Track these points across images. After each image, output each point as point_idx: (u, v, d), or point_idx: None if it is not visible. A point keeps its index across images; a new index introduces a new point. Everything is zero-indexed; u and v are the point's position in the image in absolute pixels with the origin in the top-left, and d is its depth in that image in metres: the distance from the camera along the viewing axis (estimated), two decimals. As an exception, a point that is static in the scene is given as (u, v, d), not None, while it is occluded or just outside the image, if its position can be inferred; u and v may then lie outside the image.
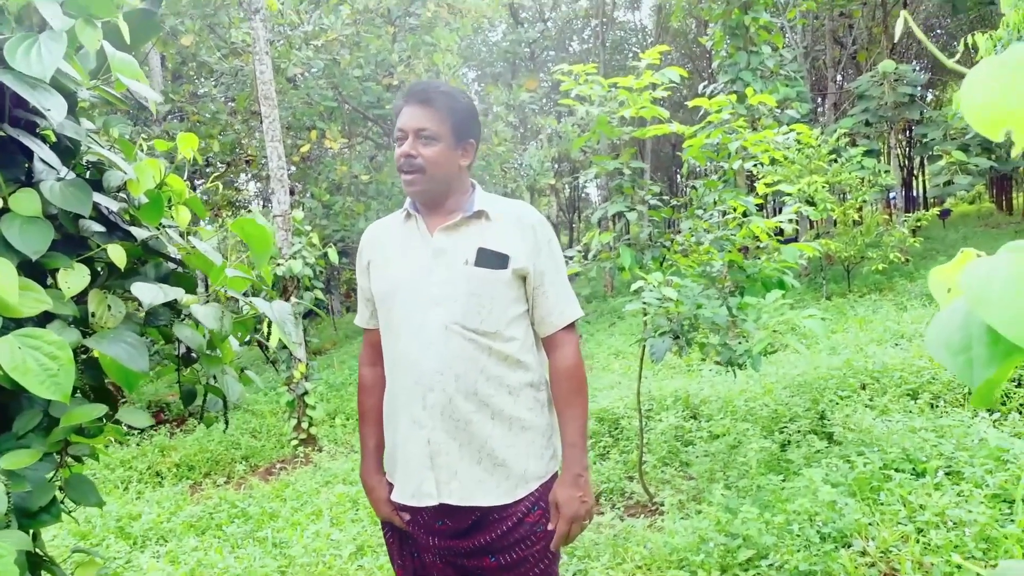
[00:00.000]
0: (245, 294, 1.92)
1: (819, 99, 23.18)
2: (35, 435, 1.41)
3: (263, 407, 8.12)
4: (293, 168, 11.74)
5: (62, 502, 1.54)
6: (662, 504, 3.89)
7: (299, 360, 6.23)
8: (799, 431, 4.51)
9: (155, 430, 7.58)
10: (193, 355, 1.88)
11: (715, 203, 3.74)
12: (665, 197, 4.19)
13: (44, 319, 1.45)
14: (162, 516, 4.59)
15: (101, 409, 1.39)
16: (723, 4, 10.04)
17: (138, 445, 6.86)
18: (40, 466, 1.38)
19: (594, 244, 3.92)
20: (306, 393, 6.32)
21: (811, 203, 9.94)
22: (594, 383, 7.39)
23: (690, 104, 3.57)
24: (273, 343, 2.57)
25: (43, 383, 1.27)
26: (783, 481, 3.59)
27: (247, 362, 12.64)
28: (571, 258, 4.02)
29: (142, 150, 1.93)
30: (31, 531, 1.53)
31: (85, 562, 1.87)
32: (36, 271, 1.49)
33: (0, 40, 1.31)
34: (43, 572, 1.65)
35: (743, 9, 10.21)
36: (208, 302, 1.71)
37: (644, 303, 3.41)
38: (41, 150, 1.45)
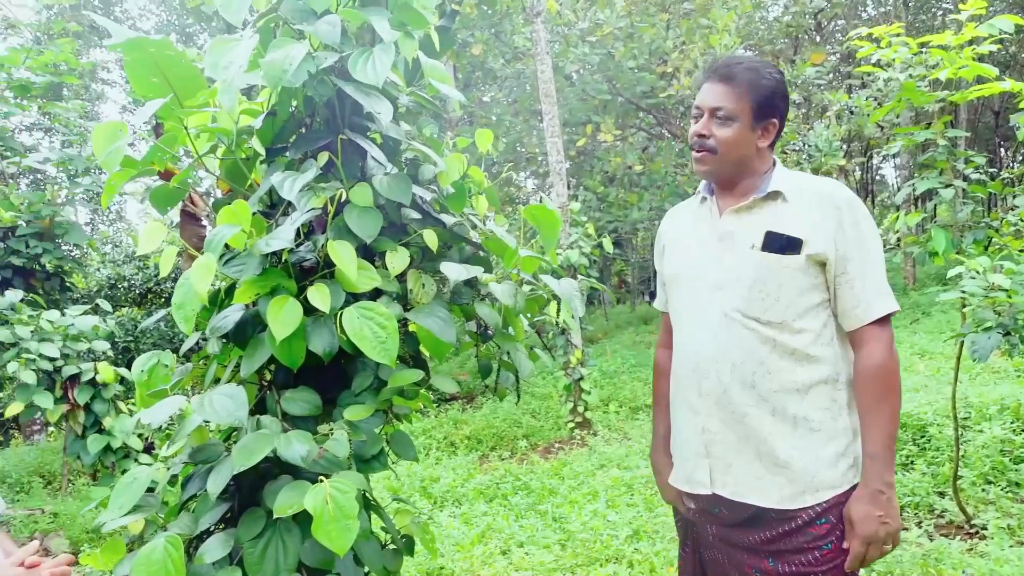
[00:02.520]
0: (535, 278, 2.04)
1: None
2: (368, 394, 1.65)
3: (541, 390, 8.59)
4: (569, 163, 12.21)
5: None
6: (983, 527, 3.35)
7: (575, 346, 6.47)
8: None
9: (449, 405, 8.44)
10: (489, 332, 2.05)
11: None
12: (990, 170, 3.57)
13: (373, 295, 1.69)
14: (456, 481, 5.10)
15: (419, 374, 1.59)
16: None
17: (435, 416, 7.69)
18: (372, 420, 1.61)
19: (898, 226, 3.48)
20: (582, 378, 6.55)
21: None
22: (893, 385, 6.58)
23: (1030, 56, 2.98)
24: (564, 316, 2.69)
25: (375, 348, 1.48)
26: None
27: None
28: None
29: (448, 148, 2.14)
30: (366, 476, 1.80)
31: (402, 510, 2.15)
32: (366, 254, 1.74)
33: (343, 56, 1.55)
34: (372, 513, 1.93)
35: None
36: (502, 282, 1.85)
37: (964, 292, 2.95)
38: (372, 150, 1.68)
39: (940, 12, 21.08)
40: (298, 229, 1.64)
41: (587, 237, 6.57)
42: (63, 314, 4.58)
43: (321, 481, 1.38)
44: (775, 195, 1.56)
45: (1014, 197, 3.51)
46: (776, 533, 1.51)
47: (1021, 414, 4.77)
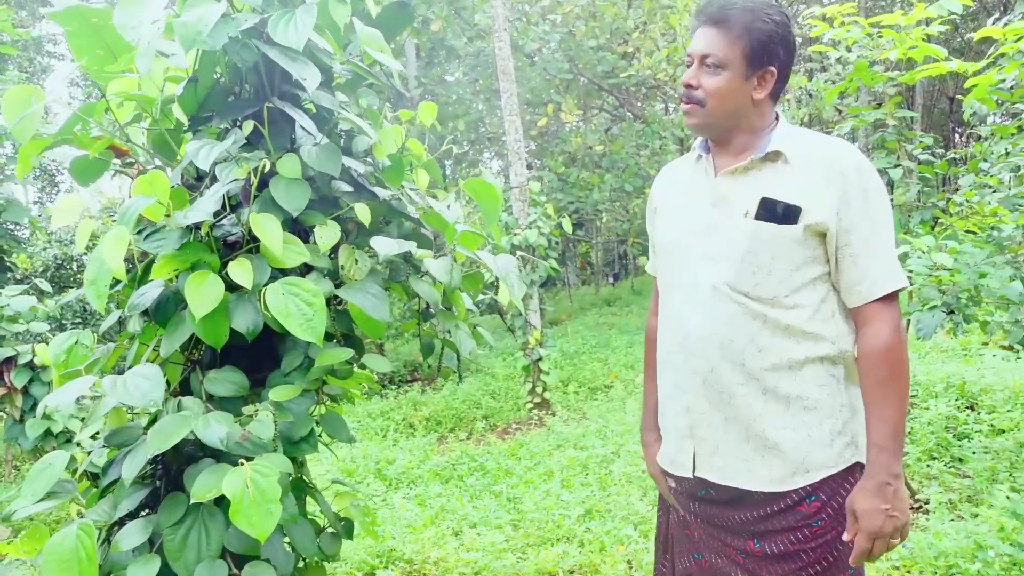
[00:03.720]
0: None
1: None
2: (298, 373, 1.59)
3: (500, 371, 8.58)
4: (532, 144, 12.12)
5: (319, 436, 1.72)
6: (926, 502, 3.42)
7: (534, 327, 6.45)
8: (1118, 432, 3.69)
9: (409, 386, 8.37)
10: (431, 311, 2.00)
11: (1007, 154, 3.14)
12: (938, 151, 3.62)
13: (303, 271, 1.63)
14: (412, 463, 5.05)
15: (347, 352, 1.53)
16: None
17: (395, 398, 7.62)
18: (301, 401, 1.56)
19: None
20: (540, 359, 6.54)
21: None
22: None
23: (977, 37, 3.00)
24: (503, 299, 2.65)
25: (301, 326, 1.42)
26: (1093, 490, 2.96)
27: (488, 329, 13.44)
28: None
29: (386, 119, 2.07)
30: (296, 459, 1.74)
31: (342, 493, 2.10)
32: (295, 229, 1.67)
33: (266, 18, 1.47)
34: (307, 496, 1.87)
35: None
36: (439, 258, 1.79)
37: (910, 272, 2.98)
38: (301, 119, 1.61)
39: (898, -2, 21.40)
40: (225, 202, 1.57)
41: (547, 217, 6.53)
42: (-2, 295, 4.40)
43: (242, 464, 1.33)
44: (775, 155, 1.42)
45: (959, 178, 3.56)
46: (763, 513, 1.43)
47: (965, 392, 4.89)
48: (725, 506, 1.49)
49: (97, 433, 1.61)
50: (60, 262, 9.94)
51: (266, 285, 1.46)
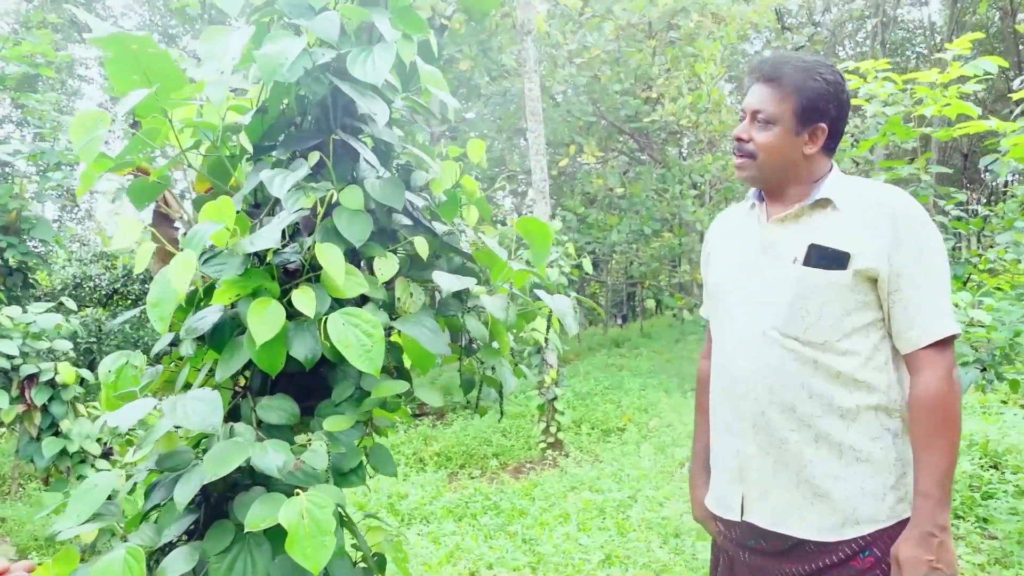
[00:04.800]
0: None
1: None
2: (348, 404, 1.58)
3: (511, 409, 8.51)
4: (550, 182, 12.22)
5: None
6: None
7: (551, 366, 6.42)
8: None
9: (419, 420, 8.31)
10: (474, 346, 2.00)
11: (1042, 214, 3.15)
12: (971, 207, 3.63)
13: (359, 302, 1.63)
14: (425, 499, 4.99)
15: (404, 385, 1.52)
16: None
17: (405, 432, 7.57)
18: (351, 432, 1.55)
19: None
20: (556, 398, 6.49)
21: None
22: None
23: (1015, 95, 3.04)
24: (532, 341, 2.63)
25: (360, 357, 1.42)
26: None
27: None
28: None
29: (440, 156, 2.09)
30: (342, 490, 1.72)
31: (374, 527, 2.07)
32: (351, 259, 1.68)
33: (340, 54, 1.50)
34: (344, 529, 1.85)
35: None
36: (493, 295, 1.80)
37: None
38: (365, 152, 1.63)
39: (913, 55, 21.70)
40: (282, 230, 1.58)
41: (567, 256, 6.55)
42: (25, 311, 4.42)
43: (297, 494, 1.31)
44: (824, 203, 1.44)
45: (984, 235, 3.56)
46: (815, 567, 1.40)
47: (989, 450, 4.82)
48: (777, 557, 1.46)
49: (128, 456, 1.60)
50: (79, 280, 10.02)
51: (325, 315, 1.46)
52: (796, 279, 1.41)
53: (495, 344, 2.00)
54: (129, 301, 10.44)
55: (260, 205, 1.79)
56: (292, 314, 1.48)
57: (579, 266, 6.69)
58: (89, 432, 4.31)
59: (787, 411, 1.42)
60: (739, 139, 1.49)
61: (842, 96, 1.46)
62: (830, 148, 1.50)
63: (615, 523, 4.16)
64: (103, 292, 10.42)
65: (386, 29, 1.46)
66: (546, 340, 1.89)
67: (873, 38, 21.06)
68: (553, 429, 6.53)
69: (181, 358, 1.75)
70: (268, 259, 1.54)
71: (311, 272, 1.56)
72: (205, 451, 1.61)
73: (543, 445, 6.55)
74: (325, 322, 1.44)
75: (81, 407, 4.41)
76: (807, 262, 1.41)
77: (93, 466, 4.36)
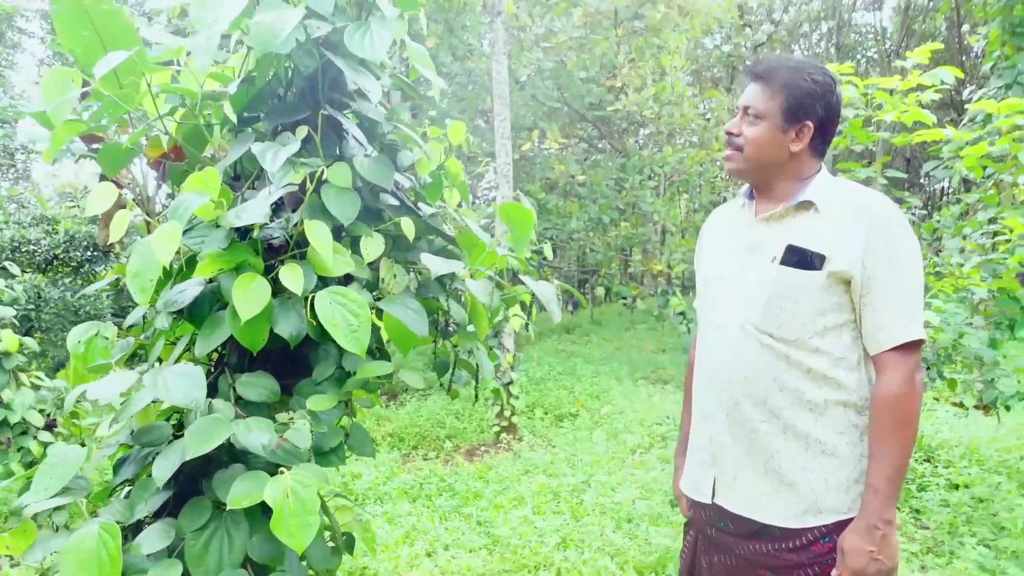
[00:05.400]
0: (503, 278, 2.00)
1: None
2: (329, 383, 1.57)
3: (465, 391, 8.52)
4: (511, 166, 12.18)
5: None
6: (891, 550, 3.51)
7: (508, 350, 6.45)
8: (1070, 494, 3.86)
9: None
10: (450, 329, 2.00)
11: (989, 221, 3.30)
12: (923, 211, 3.78)
13: (343, 281, 1.61)
14: (379, 479, 4.98)
15: (388, 366, 1.52)
16: None
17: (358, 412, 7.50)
18: (332, 412, 1.54)
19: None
20: (511, 382, 6.53)
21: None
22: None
23: (971, 107, 3.17)
24: (517, 326, 2.65)
25: (346, 336, 1.41)
26: (1051, 548, 3.09)
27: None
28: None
29: (423, 137, 2.07)
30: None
31: (342, 507, 2.07)
32: (337, 237, 1.66)
33: (338, 28, 1.47)
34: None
35: None
36: (476, 279, 1.80)
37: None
38: (353, 129, 1.60)
39: (864, 59, 22.30)
40: (267, 205, 1.55)
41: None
42: (-37, 275, 4.21)
43: (281, 473, 1.30)
44: (807, 205, 1.49)
45: (937, 239, 3.72)
46: (778, 548, 1.48)
47: (922, 445, 5.06)
48: (741, 538, 1.54)
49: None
50: (16, 244, 9.58)
51: (311, 293, 1.45)
52: (773, 278, 1.47)
53: (470, 328, 2.01)
54: (68, 268, 10.02)
55: (240, 177, 1.75)
56: (276, 290, 1.46)
57: (539, 251, 6.72)
58: (32, 403, 4.16)
59: (759, 403, 1.49)
60: (729, 133, 1.56)
61: (830, 97, 1.51)
62: (818, 149, 1.55)
63: (569, 507, 4.23)
64: (42, 257, 9.97)
65: (386, 5, 1.43)
66: (526, 325, 1.91)
67: (828, 40, 21.58)
68: (508, 413, 6.57)
69: (149, 332, 1.71)
70: (253, 234, 1.51)
71: (296, 249, 1.54)
72: (175, 427, 1.58)
73: (497, 429, 6.58)
74: (310, 300, 1.42)
75: (24, 376, 4.25)
76: (784, 262, 1.47)
77: (35, 438, 4.21)
